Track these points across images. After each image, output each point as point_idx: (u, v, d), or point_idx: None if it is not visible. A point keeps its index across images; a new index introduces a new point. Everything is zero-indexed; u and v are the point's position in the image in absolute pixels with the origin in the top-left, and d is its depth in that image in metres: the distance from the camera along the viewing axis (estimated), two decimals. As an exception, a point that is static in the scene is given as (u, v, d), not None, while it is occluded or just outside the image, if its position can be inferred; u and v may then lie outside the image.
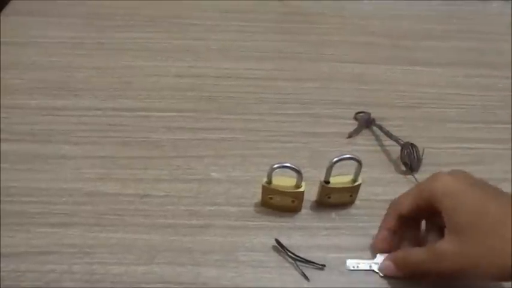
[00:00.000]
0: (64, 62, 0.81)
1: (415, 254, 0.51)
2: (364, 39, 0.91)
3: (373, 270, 0.54)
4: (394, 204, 0.54)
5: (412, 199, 0.52)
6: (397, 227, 0.54)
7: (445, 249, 0.47)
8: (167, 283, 0.53)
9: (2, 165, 0.63)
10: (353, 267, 0.55)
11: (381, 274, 0.54)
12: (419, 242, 0.54)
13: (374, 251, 0.56)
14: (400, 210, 0.53)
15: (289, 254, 0.55)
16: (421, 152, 0.65)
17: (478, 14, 1.00)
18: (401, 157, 0.65)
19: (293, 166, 0.55)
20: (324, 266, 0.54)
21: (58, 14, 0.92)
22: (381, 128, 0.69)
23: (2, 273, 0.52)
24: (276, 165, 0.55)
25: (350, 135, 0.70)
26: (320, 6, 0.99)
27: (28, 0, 0.95)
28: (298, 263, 0.54)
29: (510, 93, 0.80)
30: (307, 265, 0.54)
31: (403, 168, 0.65)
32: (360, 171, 0.57)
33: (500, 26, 0.96)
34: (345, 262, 0.55)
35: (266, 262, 0.55)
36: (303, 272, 0.54)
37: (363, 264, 0.55)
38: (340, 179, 0.58)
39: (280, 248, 0.55)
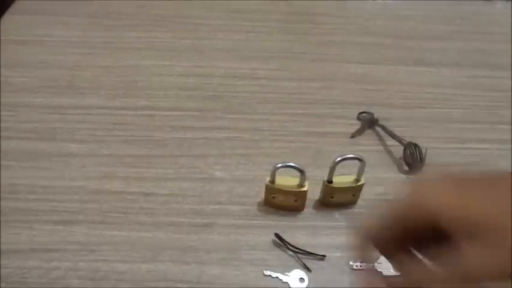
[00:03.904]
0: (70, 61, 0.82)
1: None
2: (368, 39, 0.91)
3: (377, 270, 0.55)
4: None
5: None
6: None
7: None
8: (171, 281, 0.53)
9: (7, 162, 0.64)
10: (356, 266, 0.55)
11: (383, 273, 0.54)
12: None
13: None
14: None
15: (290, 247, 0.55)
16: (423, 152, 0.66)
17: (482, 14, 1.00)
18: (404, 157, 0.66)
19: (296, 166, 0.55)
20: (324, 256, 0.55)
21: (65, 13, 0.92)
22: (384, 128, 0.69)
23: (7, 270, 0.53)
24: (279, 165, 0.55)
25: (353, 135, 0.70)
26: (325, 7, 0.99)
27: (35, -1, 0.96)
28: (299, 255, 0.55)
29: (515, 94, 0.80)
30: (308, 257, 0.55)
31: (406, 168, 0.66)
32: (363, 171, 0.57)
33: (503, 26, 0.95)
34: (348, 261, 0.55)
35: (269, 260, 0.55)
36: (304, 264, 0.54)
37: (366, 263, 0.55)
38: (343, 178, 0.58)
39: (280, 241, 0.56)
